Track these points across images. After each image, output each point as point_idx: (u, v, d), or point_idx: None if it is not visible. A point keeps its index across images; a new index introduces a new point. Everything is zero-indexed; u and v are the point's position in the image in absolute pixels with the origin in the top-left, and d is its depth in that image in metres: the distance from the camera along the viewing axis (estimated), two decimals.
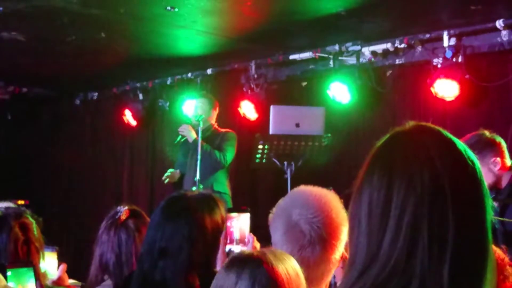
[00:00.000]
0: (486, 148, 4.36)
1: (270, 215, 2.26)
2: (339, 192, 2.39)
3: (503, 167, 4.40)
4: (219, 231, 2.60)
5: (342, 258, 2.23)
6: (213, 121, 6.74)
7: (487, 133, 4.41)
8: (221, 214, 2.64)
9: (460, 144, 1.31)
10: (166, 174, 6.63)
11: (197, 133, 6.36)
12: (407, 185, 1.23)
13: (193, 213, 2.58)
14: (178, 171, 6.72)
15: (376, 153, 1.34)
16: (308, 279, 2.16)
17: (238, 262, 1.93)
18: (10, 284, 1.95)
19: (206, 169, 6.35)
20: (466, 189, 1.25)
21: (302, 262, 2.11)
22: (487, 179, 4.38)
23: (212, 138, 6.59)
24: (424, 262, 1.19)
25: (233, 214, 2.61)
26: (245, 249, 2.50)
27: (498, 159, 4.39)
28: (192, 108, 6.82)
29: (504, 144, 4.43)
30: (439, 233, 1.20)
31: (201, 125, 6.33)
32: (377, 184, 1.27)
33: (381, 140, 1.36)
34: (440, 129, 1.33)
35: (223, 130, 6.69)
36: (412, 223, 1.21)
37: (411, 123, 1.35)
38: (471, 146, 3.92)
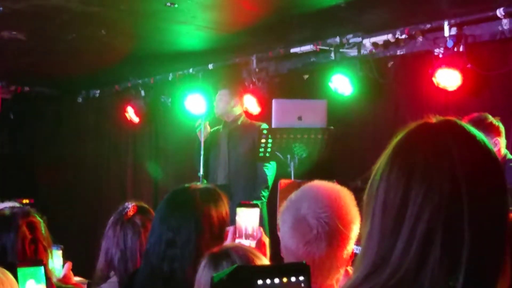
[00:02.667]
0: (491, 127, 4.70)
1: (280, 208, 2.26)
2: (343, 184, 2.38)
3: (499, 150, 4.61)
4: (224, 223, 2.64)
5: (352, 256, 2.21)
6: (239, 110, 6.73)
7: (490, 116, 4.75)
8: (225, 207, 2.68)
9: (487, 146, 1.26)
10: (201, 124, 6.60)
11: (202, 135, 6.44)
12: (425, 193, 1.20)
13: (199, 204, 2.61)
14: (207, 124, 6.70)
15: (397, 147, 1.30)
16: (313, 275, 2.14)
17: (213, 260, 2.00)
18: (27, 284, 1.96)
19: (244, 165, 6.41)
20: (486, 203, 1.21)
21: (307, 257, 2.09)
22: None
23: (243, 131, 6.59)
24: (434, 274, 1.17)
25: (243, 209, 2.62)
26: (254, 243, 2.53)
27: (499, 139, 4.71)
28: (214, 102, 6.79)
29: (503, 131, 4.66)
30: (452, 247, 1.17)
31: (202, 128, 6.42)
32: (395, 183, 1.24)
33: (403, 131, 1.32)
34: (469, 128, 1.28)
35: (255, 122, 6.62)
36: (425, 234, 1.19)
37: (438, 118, 1.31)
38: (475, 124, 4.09)
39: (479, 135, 1.27)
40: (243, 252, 2.01)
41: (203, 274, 2.00)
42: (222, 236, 2.58)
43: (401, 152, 1.28)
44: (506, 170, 4.62)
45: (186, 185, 2.75)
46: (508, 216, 1.23)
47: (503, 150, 4.81)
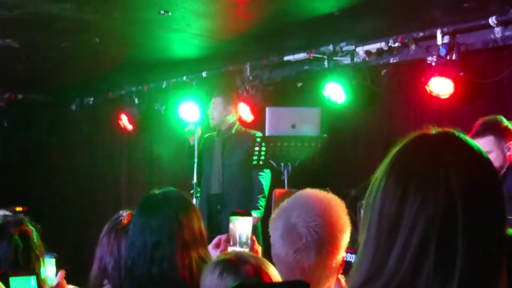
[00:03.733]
0: (504, 131, 4.54)
1: (272, 216, 2.26)
2: (336, 192, 2.38)
3: (511, 156, 4.55)
4: (199, 216, 2.70)
5: (342, 265, 2.20)
6: (233, 118, 6.66)
7: (505, 119, 4.60)
8: (193, 202, 2.76)
9: (484, 157, 1.26)
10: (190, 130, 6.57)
11: (194, 141, 6.42)
12: (420, 203, 1.20)
13: (173, 201, 2.70)
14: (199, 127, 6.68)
15: (394, 158, 1.30)
16: None
17: (232, 267, 1.97)
18: None
19: (238, 175, 6.38)
20: (482, 216, 1.20)
21: (296, 265, 2.10)
22: (496, 162, 4.53)
23: (237, 140, 6.54)
24: (428, 285, 1.17)
25: (237, 217, 2.64)
26: (247, 250, 2.54)
27: None
28: (208, 111, 6.73)
29: None
30: (446, 258, 1.17)
31: (196, 136, 6.39)
32: (391, 194, 1.24)
33: (401, 142, 1.32)
34: (467, 139, 1.28)
35: (250, 131, 6.55)
36: (420, 245, 1.19)
37: (436, 129, 1.31)
38: (492, 126, 4.04)
39: (477, 147, 1.27)
40: (260, 261, 2.02)
41: (220, 282, 1.97)
42: (201, 226, 2.65)
43: (398, 162, 1.28)
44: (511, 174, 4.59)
45: (149, 193, 2.83)
46: (505, 229, 1.22)
47: None
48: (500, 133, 4.52)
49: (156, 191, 2.79)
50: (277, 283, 1.21)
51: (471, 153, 1.26)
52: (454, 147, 1.26)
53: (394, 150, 1.31)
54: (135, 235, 2.65)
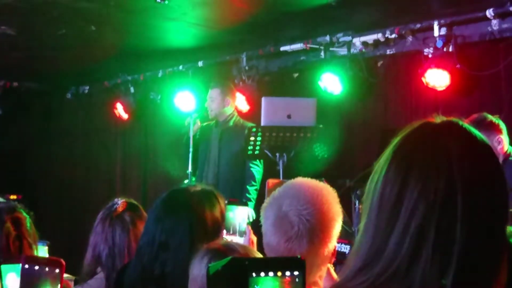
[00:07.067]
0: (492, 126, 4.69)
1: (263, 205, 2.25)
2: (331, 182, 2.37)
3: (503, 148, 4.63)
4: (218, 226, 2.59)
5: (334, 254, 2.20)
6: (231, 110, 6.60)
7: (489, 115, 4.74)
8: (221, 209, 2.63)
9: (487, 147, 1.27)
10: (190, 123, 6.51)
11: (189, 132, 6.39)
12: (420, 189, 1.21)
13: (194, 207, 2.55)
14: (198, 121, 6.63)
15: (397, 145, 1.30)
16: None
17: (221, 256, 1.95)
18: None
19: (234, 167, 6.37)
20: (482, 202, 1.20)
21: (288, 254, 2.09)
22: None
23: (235, 132, 6.49)
24: (426, 271, 1.18)
25: (232, 207, 2.64)
26: (243, 240, 2.53)
27: (502, 136, 4.71)
28: (206, 103, 6.64)
29: (504, 127, 4.68)
30: (445, 245, 1.18)
31: (192, 126, 6.38)
32: (392, 179, 1.25)
33: (405, 130, 1.32)
34: (470, 129, 1.29)
35: (247, 123, 6.45)
36: (418, 231, 1.19)
37: (441, 118, 1.31)
38: (476, 125, 4.18)
39: (481, 137, 1.27)
40: (248, 250, 1.99)
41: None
42: (216, 239, 2.55)
43: (401, 149, 1.29)
44: (507, 166, 4.64)
45: (184, 186, 2.73)
46: (507, 219, 1.23)
47: (506, 147, 4.80)
48: (486, 128, 4.59)
49: (186, 187, 2.66)
50: (272, 259, 1.20)
51: (474, 142, 1.26)
52: (457, 136, 1.26)
53: (398, 137, 1.31)
54: (150, 221, 2.58)
